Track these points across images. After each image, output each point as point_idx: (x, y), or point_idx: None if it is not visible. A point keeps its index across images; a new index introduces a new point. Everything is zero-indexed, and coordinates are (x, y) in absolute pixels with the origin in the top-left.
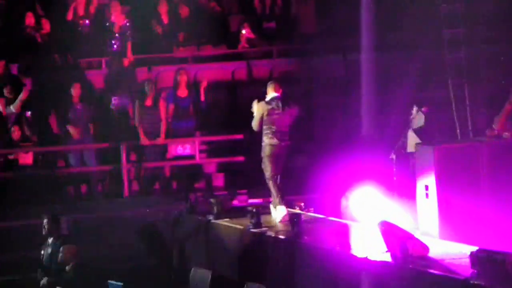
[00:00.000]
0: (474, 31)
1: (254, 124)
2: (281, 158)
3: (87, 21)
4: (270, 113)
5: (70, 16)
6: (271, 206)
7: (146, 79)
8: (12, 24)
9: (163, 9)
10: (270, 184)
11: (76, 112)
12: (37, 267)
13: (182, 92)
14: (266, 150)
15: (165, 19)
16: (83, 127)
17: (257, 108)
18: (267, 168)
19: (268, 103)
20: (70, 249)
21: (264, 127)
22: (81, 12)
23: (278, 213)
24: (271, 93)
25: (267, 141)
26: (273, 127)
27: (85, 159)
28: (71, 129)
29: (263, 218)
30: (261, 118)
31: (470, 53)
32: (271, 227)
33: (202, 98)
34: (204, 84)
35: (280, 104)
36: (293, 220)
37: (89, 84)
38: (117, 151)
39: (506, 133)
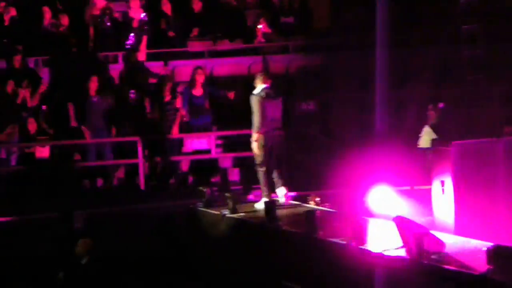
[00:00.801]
0: (491, 27)
1: (259, 118)
2: (276, 148)
3: (105, 19)
4: (264, 103)
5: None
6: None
7: (162, 74)
8: (30, 19)
9: (167, 6)
10: (261, 173)
11: (93, 105)
12: (53, 260)
13: (197, 91)
14: (260, 139)
15: (171, 15)
16: (100, 120)
17: (255, 103)
18: (259, 157)
19: (260, 94)
20: (86, 242)
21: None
22: (97, 12)
23: (261, 205)
24: (260, 85)
25: (262, 130)
26: (267, 116)
27: (102, 153)
28: (84, 130)
29: (278, 212)
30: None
31: (488, 49)
32: (286, 221)
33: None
34: (230, 96)
35: (272, 94)
36: (308, 215)
37: (107, 77)
38: (134, 145)
39: None
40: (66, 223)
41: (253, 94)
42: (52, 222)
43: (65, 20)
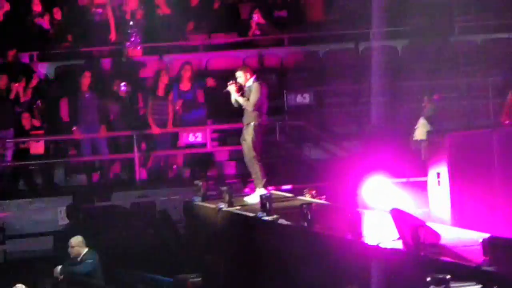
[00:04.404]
0: (486, 19)
1: (254, 104)
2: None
3: (99, 10)
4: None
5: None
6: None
7: (158, 69)
8: (22, 13)
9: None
10: (259, 164)
11: (85, 100)
12: (52, 254)
13: (185, 86)
14: (260, 131)
15: (164, 9)
16: (93, 116)
17: (259, 90)
18: (257, 149)
19: (259, 82)
20: (76, 240)
21: (255, 108)
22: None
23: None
24: (251, 77)
25: (260, 121)
26: (262, 108)
27: (97, 148)
28: (75, 131)
29: (275, 205)
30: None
31: (482, 40)
32: (281, 214)
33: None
34: (210, 83)
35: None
36: (304, 208)
37: (100, 72)
38: (130, 139)
39: None
40: (71, 218)
41: (256, 81)
42: (50, 217)
43: (57, 14)
